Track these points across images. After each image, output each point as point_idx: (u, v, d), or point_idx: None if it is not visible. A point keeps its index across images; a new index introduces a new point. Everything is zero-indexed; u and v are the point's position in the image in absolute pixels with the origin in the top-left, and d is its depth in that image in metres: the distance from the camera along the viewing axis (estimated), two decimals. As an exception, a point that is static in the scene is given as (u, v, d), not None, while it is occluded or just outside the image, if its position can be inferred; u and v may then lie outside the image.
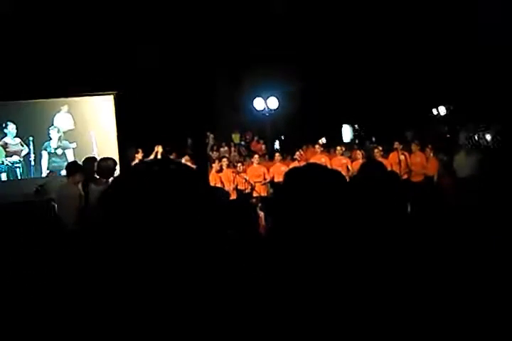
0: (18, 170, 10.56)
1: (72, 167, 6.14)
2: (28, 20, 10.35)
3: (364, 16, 15.11)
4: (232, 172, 10.04)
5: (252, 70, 14.00)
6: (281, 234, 1.38)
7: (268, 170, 10.24)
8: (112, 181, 0.88)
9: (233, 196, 9.65)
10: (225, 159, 10.38)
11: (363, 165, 2.66)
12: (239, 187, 9.91)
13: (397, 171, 9.28)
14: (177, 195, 0.84)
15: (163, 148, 10.32)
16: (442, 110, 19.02)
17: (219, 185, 9.72)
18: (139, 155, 10.03)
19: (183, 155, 11.41)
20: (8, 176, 10.52)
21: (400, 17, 15.04)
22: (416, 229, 2.20)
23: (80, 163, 6.46)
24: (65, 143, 10.72)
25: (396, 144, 10.54)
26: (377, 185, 2.18)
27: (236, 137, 16.18)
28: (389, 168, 9.54)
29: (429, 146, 10.52)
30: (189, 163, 9.84)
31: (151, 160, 0.94)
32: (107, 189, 0.86)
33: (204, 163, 10.29)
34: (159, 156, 9.56)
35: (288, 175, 1.45)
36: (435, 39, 15.46)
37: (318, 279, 1.31)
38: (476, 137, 11.12)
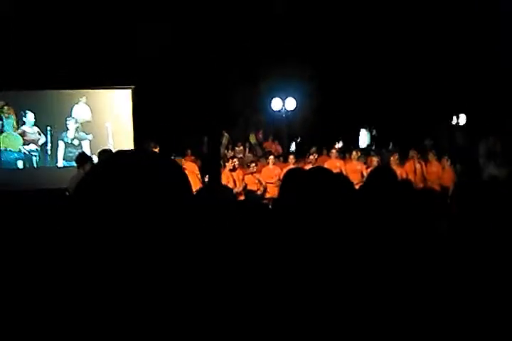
0: (34, 158, 10.69)
1: (81, 158, 6.19)
2: (51, 10, 10.49)
3: (386, 23, 15.00)
4: (243, 172, 10.04)
5: (270, 70, 13.99)
6: (277, 231, 1.37)
7: (283, 171, 10.19)
8: (87, 172, 0.87)
9: (241, 197, 9.63)
10: (235, 159, 10.36)
11: (372, 172, 2.64)
12: (249, 187, 9.90)
13: (412, 180, 9.18)
14: (146, 189, 0.83)
15: (179, 145, 10.39)
16: (462, 119, 18.80)
17: (231, 183, 9.72)
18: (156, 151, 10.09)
19: (198, 153, 11.46)
20: (24, 164, 10.66)
21: (422, 24, 14.91)
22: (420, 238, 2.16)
23: (96, 154, 6.53)
24: (81, 134, 10.83)
25: (412, 152, 10.43)
26: (384, 192, 2.16)
27: (252, 137, 16.19)
28: (404, 177, 9.50)
29: (446, 156, 10.40)
30: (192, 162, 9.92)
31: (127, 150, 0.93)
32: (79, 182, 0.85)
33: (217, 162, 10.30)
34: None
35: (285, 176, 1.44)
36: (458, 46, 15.29)
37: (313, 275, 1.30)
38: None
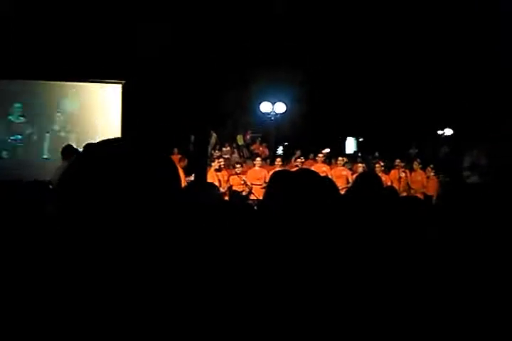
0: (19, 149, 10.56)
1: (67, 150, 6.14)
2: (47, 2, 10.42)
3: (379, 31, 15.10)
4: (228, 172, 10.05)
5: (263, 74, 14.04)
6: (263, 232, 1.37)
7: (269, 174, 10.21)
8: (70, 163, 0.85)
9: (226, 197, 9.62)
10: (221, 159, 10.36)
11: (358, 177, 2.66)
12: (235, 188, 9.90)
13: (397, 188, 9.25)
14: (131, 180, 0.82)
15: (166, 142, 10.35)
16: (448, 131, 19.04)
17: (216, 183, 9.70)
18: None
19: (185, 151, 11.43)
20: (9, 154, 10.53)
21: (413, 33, 15.01)
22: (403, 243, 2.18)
23: (81, 148, 6.47)
24: (68, 126, 10.73)
25: (398, 161, 10.53)
26: (369, 197, 2.18)
27: (240, 139, 16.19)
28: (389, 184, 9.57)
29: (431, 166, 10.52)
30: (181, 160, 9.89)
31: (109, 140, 0.90)
32: (63, 172, 0.84)
33: (204, 161, 10.28)
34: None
35: (271, 177, 1.44)
36: (451, 58, 15.41)
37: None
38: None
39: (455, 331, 1.33)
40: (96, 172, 0.82)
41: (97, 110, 10.79)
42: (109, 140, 0.91)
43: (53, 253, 0.84)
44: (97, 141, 0.94)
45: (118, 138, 0.93)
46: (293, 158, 11.43)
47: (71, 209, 0.81)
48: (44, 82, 10.55)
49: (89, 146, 0.89)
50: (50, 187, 6.82)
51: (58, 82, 10.63)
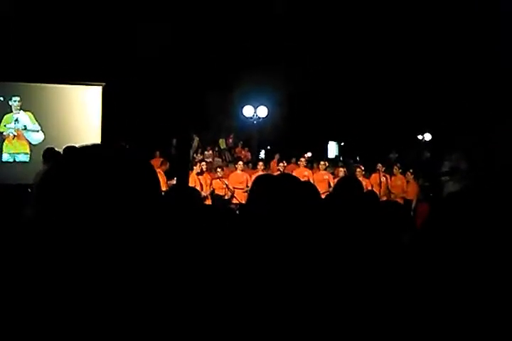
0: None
1: (49, 153, 6.07)
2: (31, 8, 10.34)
3: (360, 36, 15.22)
4: (210, 176, 10.04)
5: (244, 78, 14.09)
6: (244, 236, 1.38)
7: (251, 178, 10.22)
8: (50, 166, 0.84)
9: (208, 201, 9.61)
10: (203, 163, 10.35)
11: (339, 182, 2.70)
12: (217, 192, 9.88)
13: (377, 192, 9.33)
14: (113, 183, 0.81)
15: (148, 145, 10.30)
16: (428, 136, 19.29)
17: (198, 187, 9.68)
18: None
19: (166, 155, 11.38)
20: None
21: (397, 38, 15.14)
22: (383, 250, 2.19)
23: (61, 150, 6.38)
24: (48, 129, 10.61)
25: (379, 166, 10.61)
26: (350, 201, 2.21)
27: (222, 142, 16.19)
28: (369, 189, 9.64)
29: (410, 170, 10.62)
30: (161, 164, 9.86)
31: (92, 145, 0.90)
32: (43, 175, 0.83)
33: (186, 165, 10.26)
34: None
35: (254, 181, 1.45)
36: (431, 63, 15.56)
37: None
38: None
39: (430, 332, 1.34)
40: (75, 176, 0.82)
41: (78, 112, 10.67)
42: (88, 145, 0.91)
43: (30, 256, 0.83)
44: (78, 143, 0.94)
45: (97, 144, 0.93)
46: (272, 162, 11.46)
47: (49, 212, 0.80)
48: (24, 83, 10.42)
49: (68, 149, 0.88)
50: (29, 190, 6.74)
51: (39, 84, 10.51)
